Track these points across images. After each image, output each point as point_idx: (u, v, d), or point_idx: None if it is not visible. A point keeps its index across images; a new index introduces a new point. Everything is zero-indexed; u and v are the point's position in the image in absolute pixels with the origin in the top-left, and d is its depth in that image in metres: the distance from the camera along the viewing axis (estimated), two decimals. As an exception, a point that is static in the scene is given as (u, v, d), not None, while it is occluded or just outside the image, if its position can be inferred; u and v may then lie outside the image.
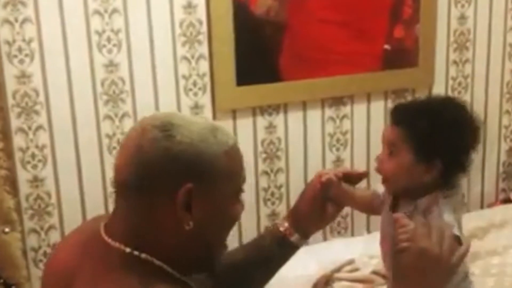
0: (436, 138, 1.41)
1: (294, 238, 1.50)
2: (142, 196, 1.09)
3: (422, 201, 1.44)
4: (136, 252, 1.10)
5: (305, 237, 1.53)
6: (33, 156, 2.34)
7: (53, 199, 2.40)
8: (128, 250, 1.10)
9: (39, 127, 2.32)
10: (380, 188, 1.58)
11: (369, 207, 1.62)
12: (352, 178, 1.58)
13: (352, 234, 2.86)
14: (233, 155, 1.14)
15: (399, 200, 1.52)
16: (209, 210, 1.11)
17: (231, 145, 1.14)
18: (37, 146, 2.33)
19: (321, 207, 1.52)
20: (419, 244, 1.18)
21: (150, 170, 1.08)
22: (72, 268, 1.18)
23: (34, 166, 2.35)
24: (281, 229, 1.51)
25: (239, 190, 1.18)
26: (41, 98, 2.30)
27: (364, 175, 1.59)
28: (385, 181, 1.50)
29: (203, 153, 1.09)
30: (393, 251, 1.26)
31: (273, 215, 2.72)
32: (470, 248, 1.22)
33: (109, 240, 1.12)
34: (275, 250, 1.50)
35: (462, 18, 2.88)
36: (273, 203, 2.72)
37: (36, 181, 2.36)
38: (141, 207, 1.10)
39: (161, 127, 1.09)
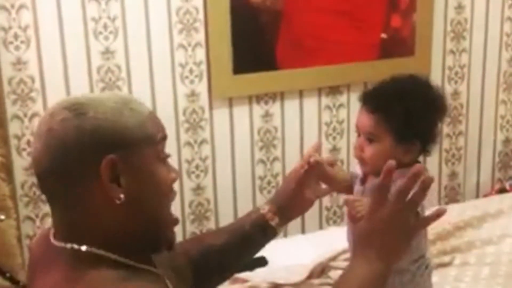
0: (414, 120, 1.45)
1: (275, 222, 1.50)
2: (66, 182, 1.06)
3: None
4: (77, 246, 1.07)
5: (284, 222, 1.53)
6: (28, 143, 2.33)
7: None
8: (69, 246, 1.08)
9: (35, 114, 2.32)
10: (357, 169, 1.60)
11: (350, 188, 1.64)
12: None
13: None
14: (149, 122, 1.11)
15: (367, 176, 1.56)
16: (137, 178, 1.08)
17: (147, 114, 1.12)
18: (32, 134, 2.32)
19: (302, 192, 1.52)
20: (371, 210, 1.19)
21: (65, 152, 1.04)
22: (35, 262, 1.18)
23: (29, 154, 2.34)
24: (262, 212, 1.51)
25: (162, 152, 1.14)
26: (37, 85, 2.29)
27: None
28: (365, 165, 1.53)
29: (119, 125, 1.06)
30: (351, 222, 1.28)
31: (269, 203, 2.72)
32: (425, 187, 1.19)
33: (54, 242, 1.10)
34: (256, 233, 1.50)
35: (459, 7, 2.87)
36: (269, 192, 2.72)
37: (31, 168, 2.35)
38: (69, 195, 1.07)
39: (70, 107, 1.06)
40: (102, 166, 1.04)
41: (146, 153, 1.10)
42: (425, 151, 1.52)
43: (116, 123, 1.06)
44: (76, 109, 1.06)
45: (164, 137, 1.15)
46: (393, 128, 1.46)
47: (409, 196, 1.15)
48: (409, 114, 1.45)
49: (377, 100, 1.50)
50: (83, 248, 1.07)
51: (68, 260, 1.07)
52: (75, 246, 1.07)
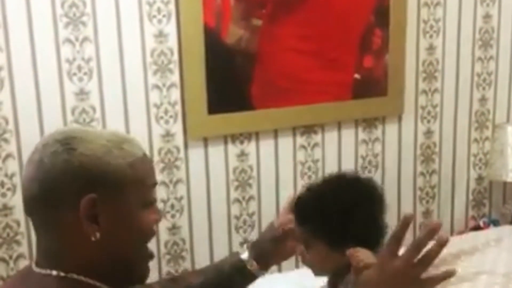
0: (345, 229, 1.40)
1: (254, 268, 1.52)
2: (48, 211, 1.10)
3: (350, 275, 1.38)
4: (62, 273, 1.10)
5: (265, 268, 1.54)
6: (2, 184, 2.32)
7: (22, 228, 2.37)
8: (54, 273, 1.10)
9: (9, 155, 2.31)
10: None
11: None
12: None
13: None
14: (140, 165, 1.13)
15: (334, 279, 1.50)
16: (116, 220, 1.10)
17: (139, 156, 1.14)
18: (6, 175, 2.32)
19: (282, 245, 1.54)
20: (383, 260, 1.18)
21: (51, 183, 1.08)
22: None
23: (3, 195, 2.33)
24: (242, 257, 1.53)
25: (148, 198, 1.16)
26: (11, 126, 2.29)
27: None
28: (312, 270, 1.50)
29: (106, 165, 1.09)
30: (354, 273, 1.26)
31: (245, 242, 2.71)
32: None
33: (38, 269, 1.12)
34: (234, 277, 1.52)
35: (431, 48, 2.93)
36: (245, 231, 2.72)
37: (5, 209, 2.34)
38: (50, 223, 1.10)
39: (62, 141, 1.10)
40: (81, 203, 1.07)
41: (130, 195, 1.12)
42: (370, 247, 1.38)
43: (102, 162, 1.09)
44: (68, 143, 1.10)
45: (154, 184, 1.17)
46: (323, 237, 1.42)
47: (423, 251, 1.12)
48: (339, 223, 1.40)
49: (301, 212, 1.48)
50: (62, 274, 1.10)
51: (51, 286, 1.10)
52: (54, 273, 1.10)
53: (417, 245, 1.12)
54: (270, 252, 1.54)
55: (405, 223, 1.14)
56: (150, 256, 1.20)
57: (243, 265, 1.52)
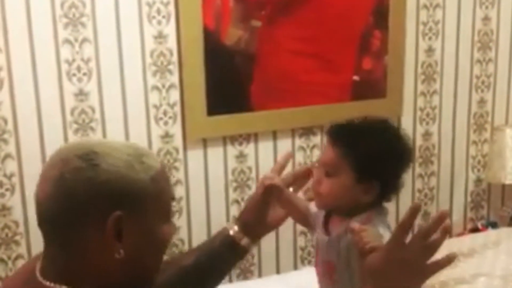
0: (377, 161, 1.39)
1: (244, 241, 1.50)
2: (68, 230, 1.06)
3: (355, 219, 1.40)
4: None
5: (254, 240, 1.52)
6: (1, 184, 2.32)
7: (21, 228, 2.37)
8: (58, 287, 1.07)
9: (7, 155, 2.31)
10: (313, 207, 1.53)
11: (306, 222, 1.58)
12: (299, 178, 1.56)
13: (323, 264, 2.86)
14: (160, 179, 1.11)
15: (330, 220, 1.49)
16: (139, 235, 1.09)
17: (158, 170, 1.12)
18: (5, 175, 2.32)
19: (266, 211, 1.51)
20: (389, 248, 1.19)
21: (74, 202, 1.04)
22: None
23: (2, 195, 2.33)
24: (231, 232, 1.50)
25: (168, 212, 1.15)
26: (10, 126, 2.29)
27: (310, 171, 1.55)
28: (320, 200, 1.47)
29: (129, 180, 1.06)
30: (360, 255, 1.26)
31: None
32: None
33: (44, 281, 1.09)
34: (225, 253, 1.50)
35: (430, 50, 2.93)
36: (243, 233, 2.72)
37: (3, 210, 2.34)
38: (68, 242, 1.07)
39: (83, 156, 1.06)
40: (108, 222, 1.05)
41: (152, 210, 1.10)
42: (385, 196, 1.44)
43: (127, 178, 1.06)
44: (90, 159, 1.06)
45: (173, 198, 1.17)
46: (353, 164, 1.39)
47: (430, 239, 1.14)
48: (371, 153, 1.39)
49: (342, 133, 1.44)
50: None
51: None
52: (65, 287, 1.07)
53: (424, 234, 1.14)
54: (255, 220, 1.50)
55: (413, 211, 1.15)
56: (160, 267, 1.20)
57: (232, 239, 1.49)
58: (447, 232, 1.13)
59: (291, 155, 1.62)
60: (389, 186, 1.43)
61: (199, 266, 1.48)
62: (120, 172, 1.06)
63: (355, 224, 1.31)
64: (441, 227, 1.13)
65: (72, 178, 1.05)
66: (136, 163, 1.08)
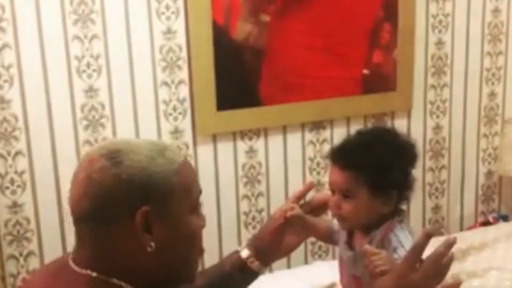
0: (386, 170, 1.42)
1: (255, 265, 1.52)
2: (101, 226, 1.10)
3: (377, 232, 1.45)
4: (103, 277, 1.11)
5: (265, 264, 1.55)
6: (12, 181, 2.33)
7: (32, 225, 2.38)
8: (95, 274, 1.11)
9: (18, 152, 2.31)
10: (335, 224, 1.58)
11: (330, 239, 1.63)
12: (316, 209, 1.60)
13: (334, 257, 2.86)
14: (184, 171, 1.14)
15: (353, 234, 1.53)
16: (168, 228, 1.12)
17: (181, 162, 1.14)
18: (16, 172, 2.32)
19: (282, 238, 1.54)
20: (394, 267, 1.21)
21: (103, 199, 1.09)
22: None
23: (13, 192, 2.33)
24: (243, 256, 1.53)
25: (196, 204, 1.18)
26: (20, 123, 2.29)
27: (325, 201, 1.57)
28: (344, 223, 1.50)
29: (154, 174, 1.10)
30: (370, 277, 1.26)
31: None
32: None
33: (76, 268, 1.13)
34: (235, 276, 1.52)
35: (440, 43, 2.92)
36: (254, 227, 2.72)
37: (15, 206, 2.35)
38: (101, 236, 1.11)
39: (108, 155, 1.10)
40: (136, 217, 1.08)
41: (179, 203, 1.13)
42: (403, 199, 1.48)
43: (150, 172, 1.10)
44: (113, 157, 1.10)
45: (199, 191, 1.19)
46: (367, 182, 1.43)
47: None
48: (379, 164, 1.43)
49: (346, 156, 1.47)
50: (112, 280, 1.11)
51: (87, 285, 1.11)
52: (103, 277, 1.11)
53: (435, 259, 1.17)
54: (269, 247, 1.53)
55: (426, 238, 1.18)
56: (200, 252, 1.22)
57: (243, 262, 1.52)
58: (452, 259, 1.17)
59: (312, 186, 1.65)
60: (405, 189, 1.46)
61: (211, 286, 1.50)
62: (143, 167, 1.10)
63: (366, 246, 1.34)
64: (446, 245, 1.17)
65: (98, 177, 1.09)
66: (158, 157, 1.12)
